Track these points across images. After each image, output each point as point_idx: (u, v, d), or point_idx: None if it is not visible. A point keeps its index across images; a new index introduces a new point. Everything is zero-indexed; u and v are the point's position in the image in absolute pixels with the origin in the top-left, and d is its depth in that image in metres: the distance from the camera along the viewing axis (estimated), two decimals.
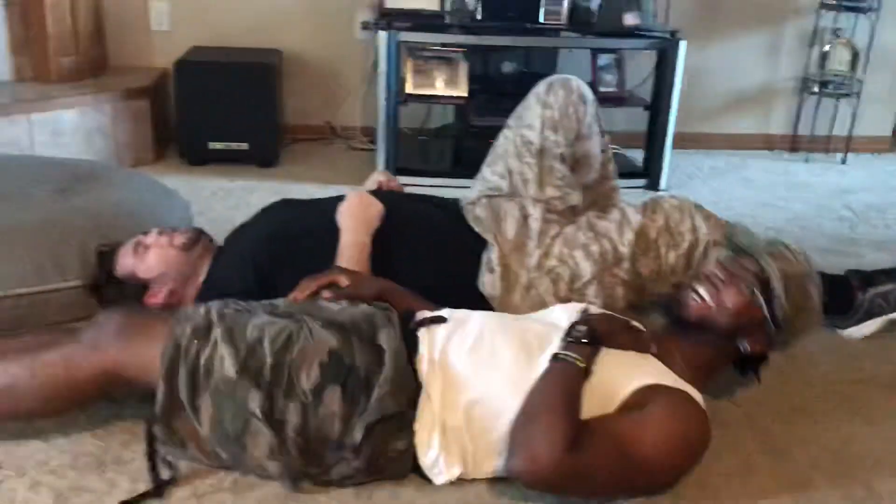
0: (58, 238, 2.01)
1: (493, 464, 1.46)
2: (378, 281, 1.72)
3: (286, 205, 2.09)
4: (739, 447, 1.65)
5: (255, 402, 1.39)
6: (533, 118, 2.05)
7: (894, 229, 3.03)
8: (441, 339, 1.51)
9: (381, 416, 1.41)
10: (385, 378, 1.43)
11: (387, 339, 1.48)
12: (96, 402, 1.56)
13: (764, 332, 1.58)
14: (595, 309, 1.65)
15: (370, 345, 1.47)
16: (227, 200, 2.99)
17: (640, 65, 3.59)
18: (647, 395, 1.42)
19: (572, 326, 1.50)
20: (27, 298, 1.93)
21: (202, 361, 1.42)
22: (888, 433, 1.73)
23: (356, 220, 1.86)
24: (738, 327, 1.58)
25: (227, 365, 1.41)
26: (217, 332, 1.45)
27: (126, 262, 1.87)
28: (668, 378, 1.49)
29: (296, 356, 1.43)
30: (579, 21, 3.24)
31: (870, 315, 2.12)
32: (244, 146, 3.33)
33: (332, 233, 1.85)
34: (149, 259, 1.86)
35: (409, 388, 1.45)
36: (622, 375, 1.46)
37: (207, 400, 1.41)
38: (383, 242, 1.86)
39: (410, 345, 1.50)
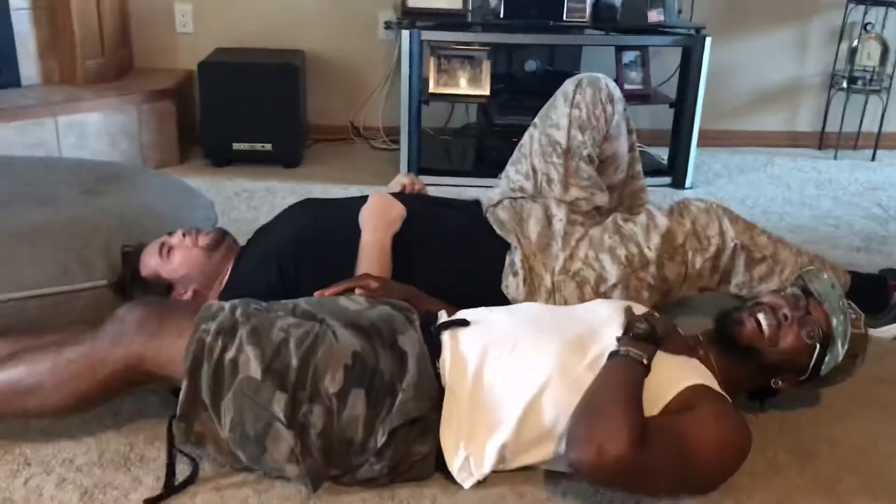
0: (83, 239, 2.02)
1: (523, 458, 1.46)
2: (403, 287, 1.72)
3: (309, 205, 2.09)
4: (766, 447, 1.63)
5: (278, 404, 1.38)
6: (560, 117, 2.03)
7: None
8: (466, 342, 1.51)
9: (404, 420, 1.40)
10: (409, 383, 1.42)
11: (409, 343, 1.48)
12: (120, 396, 1.56)
13: (798, 377, 1.59)
14: (639, 307, 1.64)
15: (392, 348, 1.47)
16: (250, 201, 3.01)
17: (665, 62, 3.57)
18: (695, 395, 1.42)
19: (634, 323, 1.49)
20: (53, 298, 1.95)
21: (227, 361, 1.42)
22: None
23: (377, 220, 1.86)
24: (780, 367, 1.57)
25: (252, 366, 1.41)
26: (243, 332, 1.44)
27: (150, 263, 1.88)
28: (713, 382, 1.48)
29: (320, 359, 1.42)
30: (603, 18, 3.21)
31: None
32: (267, 147, 3.35)
33: (355, 233, 1.85)
34: (174, 260, 1.87)
35: (433, 392, 1.44)
36: (671, 374, 1.46)
37: (230, 400, 1.40)
38: (405, 245, 1.86)
39: (433, 348, 1.50)
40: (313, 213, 2.01)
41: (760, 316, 1.57)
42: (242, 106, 3.28)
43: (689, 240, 1.88)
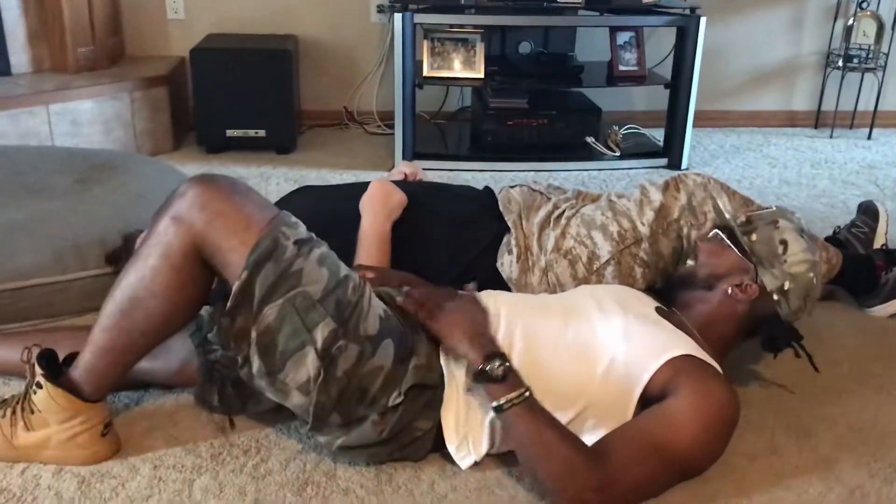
0: (78, 228, 2.02)
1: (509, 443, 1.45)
2: (402, 275, 1.72)
3: (308, 191, 2.08)
4: (764, 427, 1.63)
5: (323, 331, 1.36)
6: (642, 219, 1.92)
7: None
8: None
9: (417, 382, 1.41)
10: (423, 350, 1.44)
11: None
12: (207, 285, 1.44)
13: (748, 275, 1.59)
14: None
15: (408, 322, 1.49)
16: None
17: (660, 42, 3.55)
18: (677, 372, 1.40)
19: (485, 370, 1.38)
20: (48, 287, 1.94)
21: (294, 268, 1.37)
22: None
23: (378, 208, 1.85)
24: (714, 273, 1.62)
25: (315, 284, 1.37)
26: (317, 252, 1.41)
27: None
28: (693, 347, 1.47)
29: (366, 303, 1.42)
30: None
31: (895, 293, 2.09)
32: (261, 133, 3.33)
33: (354, 220, 1.85)
34: None
35: (438, 371, 1.46)
36: (648, 349, 1.44)
37: (277, 306, 1.35)
38: (404, 232, 1.86)
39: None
40: (312, 200, 2.01)
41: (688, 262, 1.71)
42: (235, 92, 3.26)
43: (684, 215, 1.88)
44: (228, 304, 1.36)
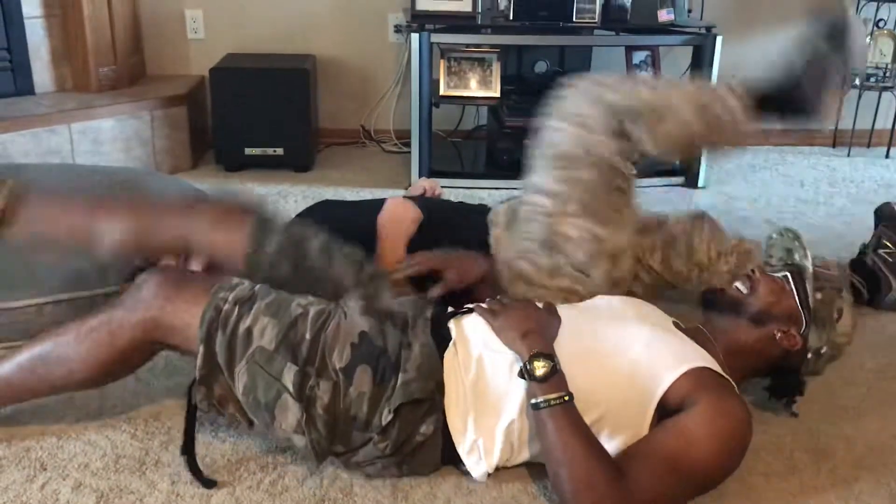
0: None
1: (532, 447, 1.45)
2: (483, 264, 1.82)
3: (325, 206, 2.10)
4: (782, 447, 1.62)
5: (288, 376, 1.41)
6: None
7: None
8: (471, 326, 1.53)
9: (406, 400, 1.41)
10: (412, 364, 1.44)
11: (421, 330, 1.50)
12: (141, 365, 1.56)
13: (797, 326, 1.60)
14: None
15: (403, 332, 1.50)
16: None
17: (676, 61, 3.55)
18: (695, 384, 1.40)
19: (528, 366, 1.39)
20: (68, 304, 1.96)
21: (241, 330, 1.44)
22: None
23: (394, 226, 1.88)
24: (769, 313, 1.60)
25: (266, 336, 1.44)
26: (260, 304, 1.47)
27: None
28: (711, 362, 1.47)
29: (329, 334, 1.46)
30: (612, 18, 3.21)
31: None
32: (279, 151, 3.36)
33: (370, 235, 1.86)
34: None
35: (438, 374, 1.46)
36: (667, 358, 1.44)
37: (243, 367, 1.43)
38: (419, 248, 1.87)
39: (441, 339, 1.51)
40: (331, 214, 2.03)
41: (737, 283, 1.69)
42: (254, 111, 3.29)
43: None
44: (196, 376, 1.45)
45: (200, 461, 1.50)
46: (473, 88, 3.29)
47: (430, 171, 3.22)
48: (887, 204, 2.29)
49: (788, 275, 1.66)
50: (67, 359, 1.48)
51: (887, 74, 3.74)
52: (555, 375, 1.38)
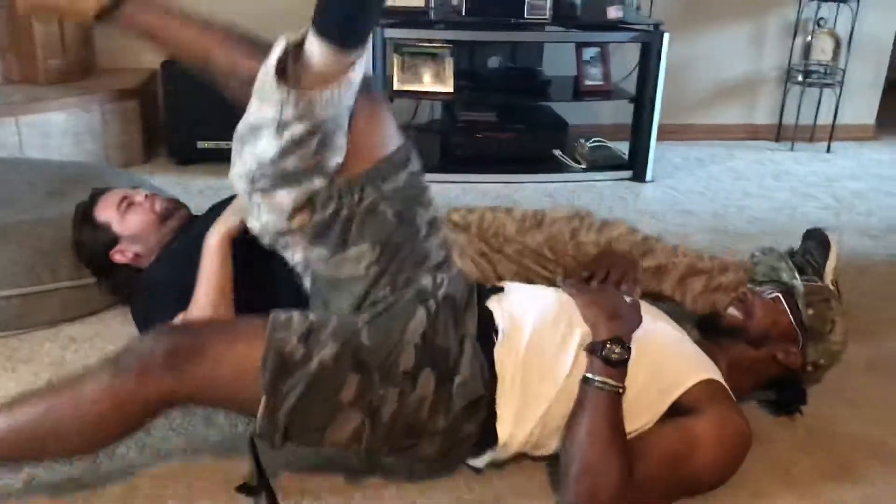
0: (49, 240, 2.03)
1: (554, 439, 1.47)
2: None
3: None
4: (778, 464, 1.63)
5: (350, 388, 1.35)
6: None
7: (878, 216, 3.07)
8: (508, 310, 1.51)
9: (467, 402, 1.39)
10: (466, 361, 1.41)
11: (470, 321, 1.47)
12: (130, 432, 1.39)
13: (796, 344, 1.67)
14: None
15: (455, 324, 1.45)
16: (215, 199, 2.94)
17: (625, 58, 3.62)
18: (706, 394, 1.46)
19: (605, 345, 1.42)
20: (19, 300, 1.95)
21: (313, 367, 1.34)
22: (868, 414, 1.77)
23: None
24: (768, 335, 1.67)
25: (326, 354, 1.36)
26: (325, 334, 1.37)
27: (107, 212, 1.93)
28: (720, 376, 1.52)
29: (394, 339, 1.40)
30: (563, 15, 3.26)
31: None
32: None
33: None
34: (129, 219, 1.92)
35: (486, 373, 1.43)
36: (687, 363, 1.50)
37: (298, 389, 1.33)
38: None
39: (487, 316, 1.50)
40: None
41: (730, 309, 1.73)
42: (206, 104, 3.25)
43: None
44: (257, 429, 1.35)
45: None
46: (427, 83, 3.31)
47: None
48: (821, 231, 2.26)
49: (779, 295, 1.72)
50: (63, 431, 1.31)
51: (828, 72, 3.87)
52: (622, 366, 1.42)
